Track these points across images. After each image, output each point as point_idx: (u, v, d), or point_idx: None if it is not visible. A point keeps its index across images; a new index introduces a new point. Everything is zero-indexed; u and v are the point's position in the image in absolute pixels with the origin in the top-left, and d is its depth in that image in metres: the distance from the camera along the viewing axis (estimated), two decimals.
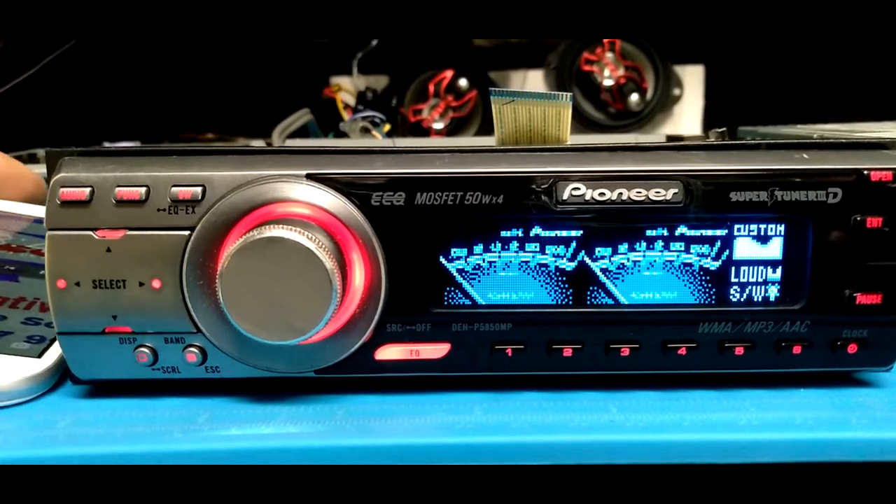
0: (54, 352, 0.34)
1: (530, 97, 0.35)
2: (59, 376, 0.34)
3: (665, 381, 0.32)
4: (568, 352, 0.32)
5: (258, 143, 0.72)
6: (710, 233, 0.31)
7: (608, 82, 0.86)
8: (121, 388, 0.33)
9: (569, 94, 0.35)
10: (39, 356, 0.33)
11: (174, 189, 0.30)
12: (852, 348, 0.31)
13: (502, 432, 0.29)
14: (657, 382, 0.32)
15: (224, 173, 0.31)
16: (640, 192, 0.31)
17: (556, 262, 0.31)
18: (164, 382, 0.32)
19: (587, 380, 0.32)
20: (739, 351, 0.32)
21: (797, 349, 0.31)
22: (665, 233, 0.31)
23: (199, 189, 0.30)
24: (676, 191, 0.30)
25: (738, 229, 0.31)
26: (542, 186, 0.31)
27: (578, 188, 0.31)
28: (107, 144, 0.72)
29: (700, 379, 0.32)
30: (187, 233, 0.31)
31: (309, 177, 0.31)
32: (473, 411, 0.31)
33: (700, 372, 0.32)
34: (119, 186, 0.31)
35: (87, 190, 0.30)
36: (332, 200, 0.31)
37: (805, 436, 0.28)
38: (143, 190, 0.30)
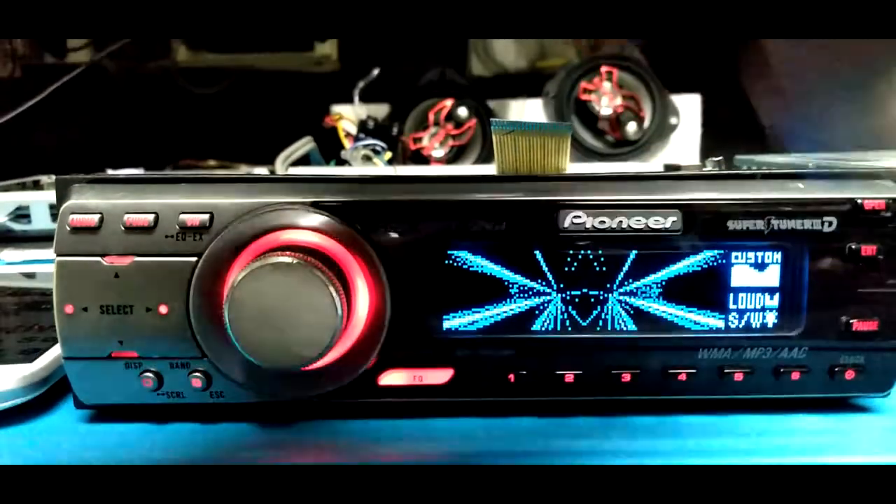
0: (47, 357, 0.34)
1: (530, 127, 0.36)
2: (55, 386, 0.34)
3: (666, 407, 0.33)
4: (569, 377, 0.32)
5: (261, 171, 0.73)
6: (708, 260, 0.32)
7: (606, 111, 0.87)
8: (124, 413, 0.33)
9: (568, 123, 0.36)
10: (31, 361, 0.34)
11: (182, 216, 0.31)
12: (849, 374, 0.32)
13: (505, 457, 0.29)
14: (658, 408, 0.33)
15: (231, 201, 0.31)
16: (639, 221, 0.31)
17: (557, 288, 0.32)
18: (168, 407, 0.33)
19: (589, 405, 0.33)
20: (738, 377, 0.32)
21: (795, 375, 0.32)
22: (664, 260, 0.32)
23: (206, 216, 0.31)
24: (675, 219, 0.31)
25: (736, 257, 0.32)
26: (544, 214, 0.31)
27: (579, 216, 0.31)
28: (110, 171, 0.72)
29: (700, 404, 0.33)
30: (195, 259, 0.31)
31: (315, 205, 0.31)
32: (476, 436, 0.31)
33: (700, 397, 0.32)
34: (128, 213, 0.31)
35: (97, 217, 0.31)
36: (337, 228, 0.31)
37: (804, 461, 0.29)
38: (151, 217, 0.31)
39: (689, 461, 0.29)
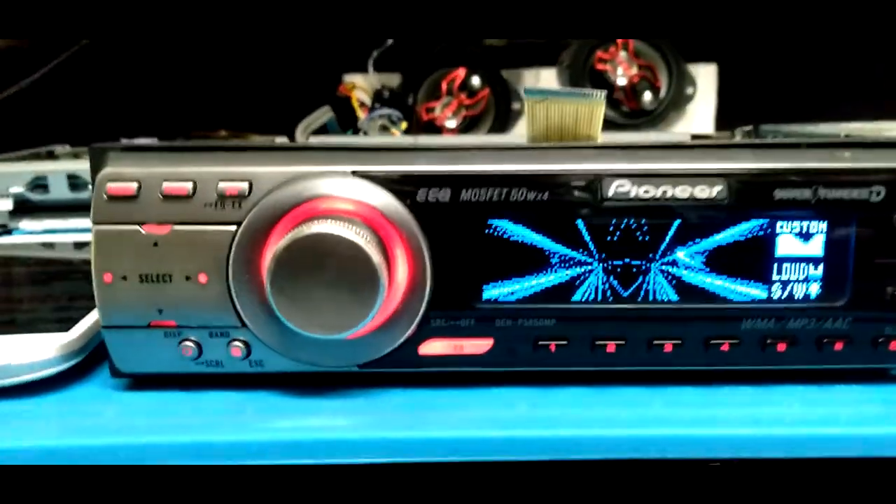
0: (82, 325, 0.34)
1: (563, 95, 0.36)
2: (95, 353, 0.34)
3: (708, 377, 0.32)
4: (611, 347, 0.32)
5: (281, 140, 0.73)
6: (752, 230, 0.31)
7: (621, 81, 0.86)
8: (161, 382, 0.33)
9: (602, 91, 0.35)
10: (67, 330, 0.33)
11: (221, 184, 0.31)
12: (893, 345, 0.32)
13: (550, 426, 0.29)
14: (700, 378, 0.32)
15: (270, 169, 0.31)
16: (685, 190, 0.31)
17: (598, 258, 0.32)
18: (206, 376, 0.32)
19: (630, 375, 0.33)
20: (781, 347, 0.32)
21: (839, 346, 0.32)
22: (708, 230, 0.31)
23: (245, 185, 0.31)
24: (721, 188, 0.31)
25: (781, 227, 0.31)
26: (588, 183, 0.31)
27: (623, 185, 0.31)
28: (124, 141, 0.72)
29: (742, 375, 0.32)
30: (234, 227, 0.31)
31: (355, 173, 0.31)
32: (518, 406, 0.31)
33: (742, 368, 0.32)
34: (166, 181, 0.31)
35: (135, 185, 0.31)
36: (377, 196, 0.31)
37: (851, 431, 0.29)
38: (189, 185, 0.31)
39: (735, 431, 0.29)
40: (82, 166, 0.61)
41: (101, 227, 0.31)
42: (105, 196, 0.31)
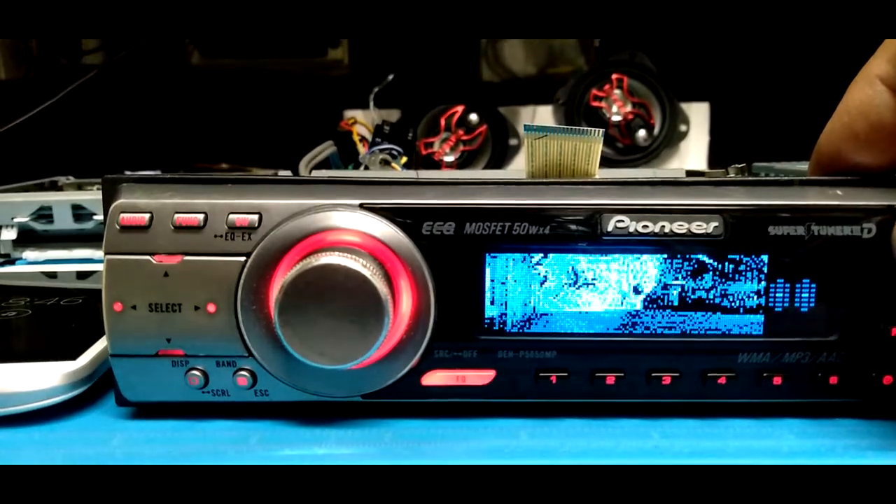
0: (89, 353, 0.35)
1: (562, 132, 0.37)
2: (97, 382, 0.35)
3: (705, 410, 0.33)
4: (610, 379, 0.33)
5: (285, 173, 0.73)
6: (748, 265, 0.32)
7: (616, 118, 0.88)
8: (167, 411, 0.33)
9: (600, 130, 0.36)
10: (74, 359, 0.34)
11: (231, 216, 0.31)
12: (887, 380, 0.32)
13: (550, 457, 0.30)
14: (697, 411, 0.33)
15: (280, 201, 0.32)
16: (681, 225, 0.32)
17: (598, 291, 0.32)
18: (212, 405, 0.33)
19: (629, 407, 0.33)
20: (777, 381, 0.32)
21: (833, 379, 0.32)
22: (705, 265, 0.32)
23: (255, 217, 0.31)
24: (717, 224, 0.32)
25: (776, 262, 0.32)
26: (587, 218, 0.32)
27: (622, 220, 0.32)
28: (128, 173, 0.73)
29: (739, 408, 0.33)
30: (243, 259, 0.31)
31: (362, 206, 0.32)
32: (519, 436, 0.32)
33: (739, 401, 0.33)
34: (177, 213, 0.31)
35: (147, 216, 0.31)
36: (383, 229, 0.32)
37: (848, 461, 0.29)
38: (201, 217, 0.31)
39: (732, 462, 0.29)
40: (86, 197, 0.62)
41: (113, 257, 0.31)
42: (117, 226, 0.31)
